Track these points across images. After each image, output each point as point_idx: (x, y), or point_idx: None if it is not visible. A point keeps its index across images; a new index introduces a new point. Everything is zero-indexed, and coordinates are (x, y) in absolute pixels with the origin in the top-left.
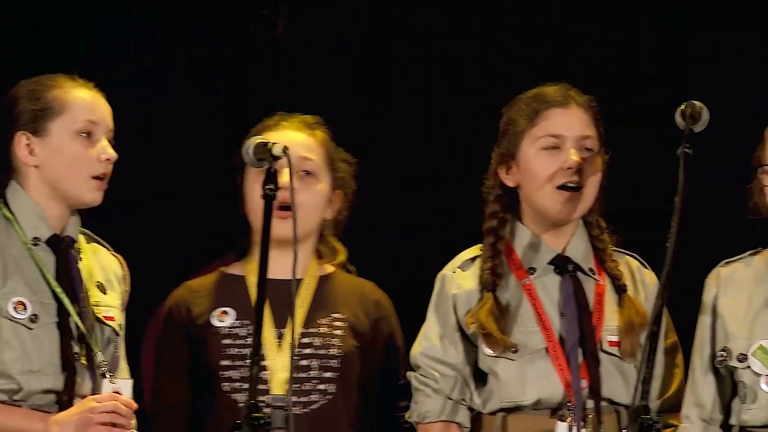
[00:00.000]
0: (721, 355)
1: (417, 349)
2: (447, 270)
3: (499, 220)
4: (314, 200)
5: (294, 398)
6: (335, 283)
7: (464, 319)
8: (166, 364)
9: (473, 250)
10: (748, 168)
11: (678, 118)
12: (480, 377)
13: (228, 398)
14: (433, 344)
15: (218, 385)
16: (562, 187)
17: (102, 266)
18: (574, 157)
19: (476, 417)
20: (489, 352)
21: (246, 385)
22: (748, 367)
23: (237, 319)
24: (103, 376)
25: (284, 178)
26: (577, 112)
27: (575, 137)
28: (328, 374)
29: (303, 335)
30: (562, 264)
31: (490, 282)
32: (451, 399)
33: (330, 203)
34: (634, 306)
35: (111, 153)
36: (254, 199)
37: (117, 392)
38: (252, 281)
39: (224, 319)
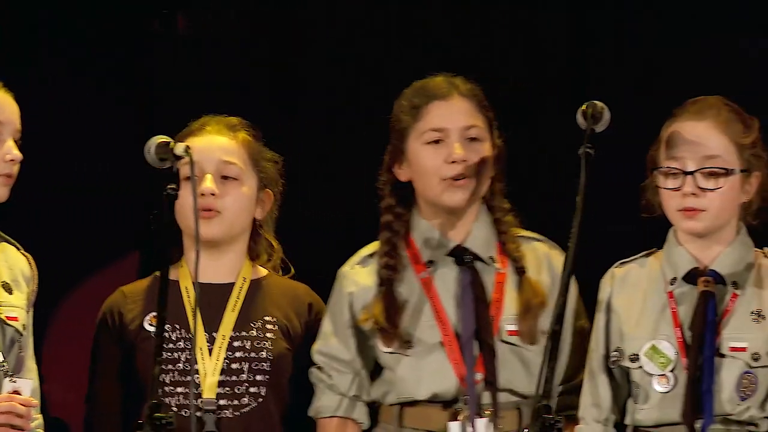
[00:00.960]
0: (614, 356)
1: (315, 346)
2: (346, 267)
3: (394, 214)
4: (238, 204)
5: (225, 402)
6: (268, 285)
7: (360, 315)
8: (100, 370)
9: (373, 246)
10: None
11: (579, 118)
12: (377, 370)
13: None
14: (329, 342)
15: None
16: (449, 180)
17: (9, 265)
18: (458, 150)
19: (375, 409)
20: (385, 348)
21: (178, 389)
22: (640, 367)
23: (168, 323)
24: (5, 376)
25: (206, 183)
26: (459, 102)
27: (459, 129)
28: (259, 377)
29: (234, 338)
30: (460, 255)
31: (386, 277)
32: (346, 395)
33: (259, 203)
34: (532, 288)
35: (16, 154)
36: (182, 203)
37: (16, 392)
38: (184, 285)
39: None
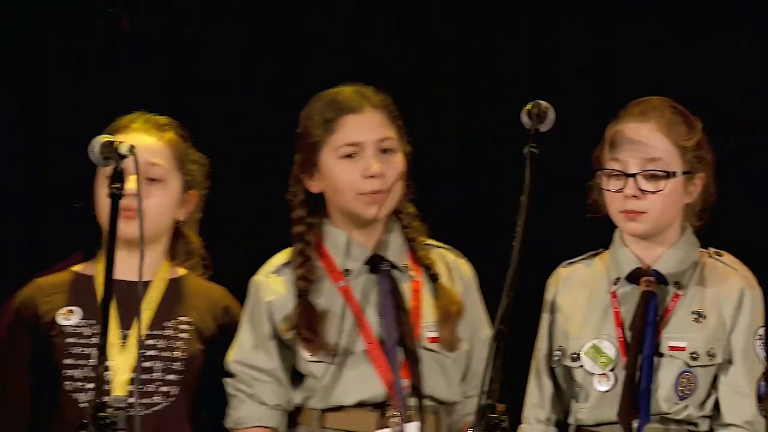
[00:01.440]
0: (557, 355)
1: (231, 356)
2: (260, 275)
3: (306, 225)
4: (161, 205)
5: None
6: (185, 286)
7: (281, 325)
8: (10, 362)
9: (286, 254)
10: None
11: (524, 118)
12: (299, 378)
13: (70, 397)
14: (247, 351)
15: (61, 384)
16: (366, 194)
17: None
18: (375, 165)
19: (296, 410)
20: (308, 356)
21: (89, 385)
22: (581, 366)
23: (83, 319)
24: None
25: (130, 184)
26: (372, 115)
27: (373, 141)
28: (171, 377)
29: (148, 337)
30: (376, 263)
31: (304, 288)
32: (266, 405)
33: (182, 205)
34: (448, 295)
35: None
36: (102, 199)
37: None
38: (100, 281)
39: (70, 317)
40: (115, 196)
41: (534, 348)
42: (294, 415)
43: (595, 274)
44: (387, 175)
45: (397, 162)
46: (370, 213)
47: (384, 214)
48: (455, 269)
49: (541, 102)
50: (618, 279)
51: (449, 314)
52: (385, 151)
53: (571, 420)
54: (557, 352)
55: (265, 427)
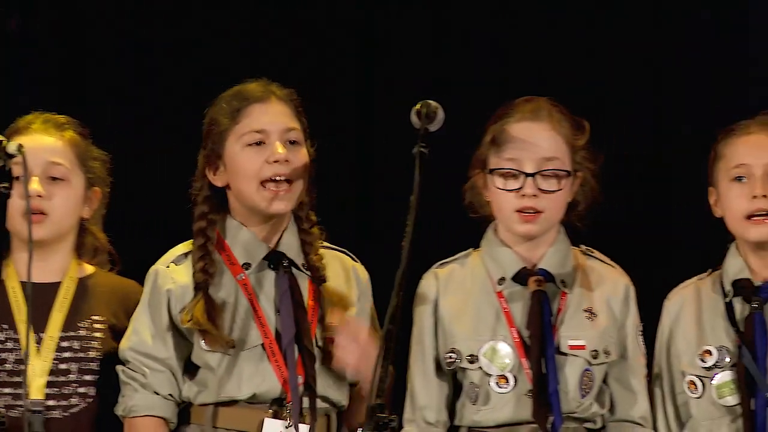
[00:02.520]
0: (450, 357)
1: (126, 344)
2: (160, 265)
3: (207, 221)
4: (65, 205)
5: (54, 402)
6: (95, 283)
7: (179, 315)
8: None
9: (186, 245)
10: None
11: (413, 118)
12: (192, 369)
13: None
14: (143, 339)
15: None
16: (271, 181)
17: None
18: (279, 150)
19: (184, 408)
20: (206, 347)
21: (6, 390)
22: (479, 367)
23: None
24: None
25: (33, 185)
26: (278, 105)
27: (279, 131)
28: (88, 377)
29: (62, 339)
30: (276, 260)
31: (203, 281)
32: (159, 394)
33: (86, 202)
34: (333, 298)
35: None
36: (11, 203)
37: None
38: (10, 285)
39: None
40: (2, 195)
41: (415, 349)
42: (185, 414)
43: (473, 274)
44: (292, 162)
45: (302, 155)
46: (272, 207)
47: (286, 209)
48: (353, 274)
49: (431, 102)
50: (503, 279)
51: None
52: (291, 143)
53: (461, 422)
54: (450, 354)
55: (156, 416)
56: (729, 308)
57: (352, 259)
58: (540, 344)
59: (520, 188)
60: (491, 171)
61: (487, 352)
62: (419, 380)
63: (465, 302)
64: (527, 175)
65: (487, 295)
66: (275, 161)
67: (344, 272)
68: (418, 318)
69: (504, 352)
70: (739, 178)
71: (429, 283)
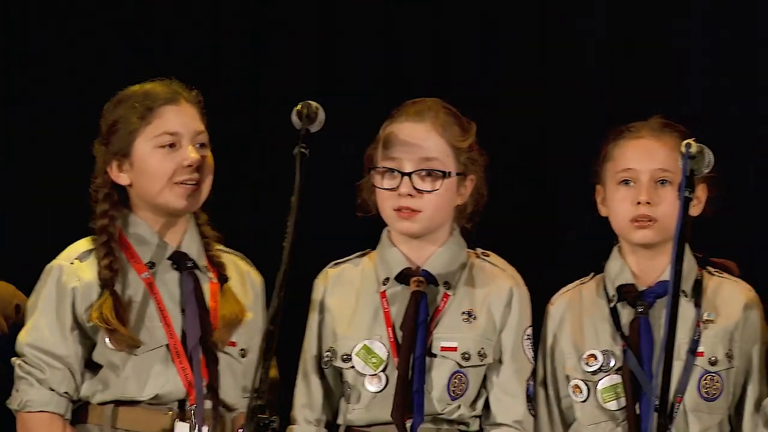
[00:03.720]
0: (327, 356)
1: (25, 339)
2: (63, 261)
3: (109, 218)
4: None
5: None
6: None
7: (84, 312)
8: None
9: (88, 241)
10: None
11: (294, 119)
12: (92, 368)
13: None
14: (43, 336)
15: None
16: (182, 184)
17: None
18: (193, 154)
19: (81, 407)
20: (110, 346)
21: None
22: (353, 367)
23: None
24: None
25: None
26: (188, 108)
27: (191, 134)
28: None
29: None
30: (180, 260)
31: (109, 278)
32: (55, 391)
33: None
34: (234, 299)
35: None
36: None
37: None
38: None
39: None
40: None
41: (302, 348)
42: (81, 413)
43: (363, 274)
44: (201, 167)
45: (210, 157)
46: (180, 204)
47: (194, 207)
48: (248, 278)
49: (312, 102)
50: (387, 279)
51: (230, 320)
52: (201, 146)
53: (340, 420)
54: (327, 353)
55: (51, 413)
56: (614, 313)
57: (247, 263)
58: (410, 344)
59: (397, 187)
60: (373, 170)
61: (360, 352)
62: (302, 379)
63: (350, 302)
64: (403, 174)
65: (371, 295)
66: (188, 165)
67: (240, 276)
68: (309, 317)
69: (378, 352)
70: (625, 182)
71: (319, 281)
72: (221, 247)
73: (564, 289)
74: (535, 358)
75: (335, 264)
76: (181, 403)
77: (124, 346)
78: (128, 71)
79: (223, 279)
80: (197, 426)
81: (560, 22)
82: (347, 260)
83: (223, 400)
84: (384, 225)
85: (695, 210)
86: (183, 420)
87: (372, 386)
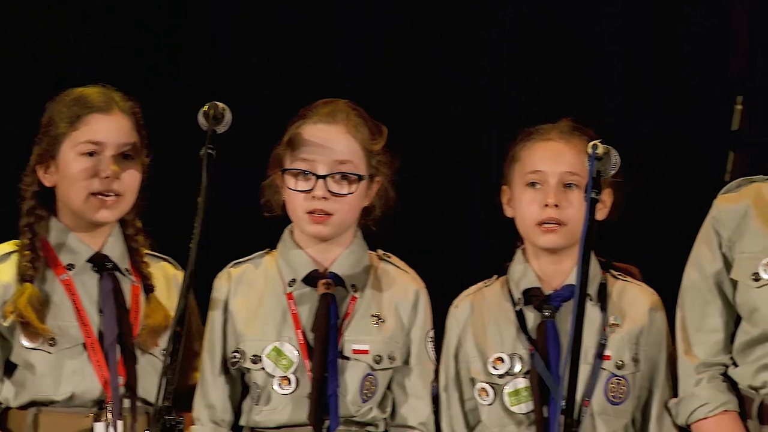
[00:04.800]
0: (235, 357)
1: None
2: None
3: (35, 217)
4: None
5: None
6: None
7: (0, 310)
8: None
9: (10, 245)
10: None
11: (201, 120)
12: (11, 370)
13: None
14: None
15: None
16: (99, 195)
17: None
18: (112, 166)
19: (4, 411)
20: (26, 343)
21: None
22: (262, 368)
23: None
24: None
25: None
26: (119, 118)
27: (115, 144)
28: None
29: None
30: (100, 262)
31: (29, 274)
32: None
33: None
34: (161, 307)
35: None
36: None
37: None
38: None
39: None
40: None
41: (203, 348)
42: (3, 419)
43: (266, 275)
44: (123, 179)
45: (135, 168)
46: (99, 216)
47: (111, 219)
48: (174, 282)
49: (218, 103)
50: (293, 280)
51: (158, 327)
52: (125, 156)
53: (244, 422)
54: (235, 353)
55: None
56: (520, 316)
57: (176, 267)
58: (323, 347)
59: (311, 189)
60: (285, 171)
61: (271, 354)
62: (207, 379)
63: (255, 302)
64: (318, 176)
65: (277, 296)
66: (106, 177)
67: (165, 280)
68: (209, 317)
69: (288, 354)
70: (533, 184)
71: (221, 282)
72: (152, 253)
73: (467, 292)
74: (438, 360)
75: (236, 264)
76: (101, 404)
77: (39, 341)
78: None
79: (148, 289)
80: (114, 423)
81: (469, 19)
82: (248, 260)
83: (148, 399)
84: (286, 224)
85: (601, 214)
86: (100, 420)
87: (281, 388)
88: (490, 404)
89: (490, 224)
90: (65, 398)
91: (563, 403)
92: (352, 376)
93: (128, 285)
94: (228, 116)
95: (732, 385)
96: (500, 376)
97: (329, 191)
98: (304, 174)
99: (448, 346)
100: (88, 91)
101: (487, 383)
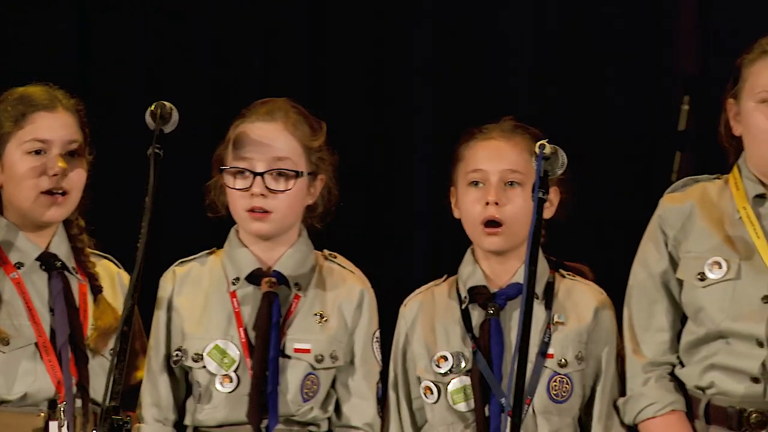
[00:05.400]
0: (177, 355)
1: None
2: None
3: None
4: None
5: None
6: None
7: None
8: None
9: None
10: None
11: (148, 119)
12: None
13: None
14: None
15: None
16: (47, 194)
17: None
18: (60, 163)
19: None
20: None
21: None
22: (204, 366)
23: None
24: None
25: None
26: (63, 115)
27: (61, 142)
28: None
29: None
30: (48, 261)
31: None
32: None
33: None
34: (109, 309)
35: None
36: None
37: None
38: None
39: None
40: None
41: (148, 346)
42: None
43: (211, 274)
44: (70, 177)
45: (81, 166)
46: (48, 215)
47: (60, 218)
48: (118, 281)
49: (165, 103)
50: (237, 279)
51: (105, 329)
52: (71, 154)
53: (188, 421)
54: (177, 352)
55: None
56: (465, 314)
57: (117, 265)
58: (264, 345)
59: (249, 187)
60: (224, 170)
61: (213, 352)
62: (152, 378)
63: (199, 301)
64: (256, 174)
65: (221, 295)
66: (54, 174)
67: (110, 279)
68: (155, 315)
69: (230, 352)
70: (475, 183)
71: (166, 281)
72: (95, 252)
73: (417, 291)
74: (386, 359)
75: (181, 263)
76: (52, 403)
77: None
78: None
79: (96, 290)
80: (67, 423)
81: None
82: (193, 259)
83: (97, 401)
84: (232, 224)
85: (548, 212)
86: (53, 420)
87: (223, 386)
88: (434, 402)
89: (440, 225)
90: (18, 398)
91: (504, 400)
92: (292, 375)
93: (76, 284)
94: (175, 116)
95: (679, 384)
96: (444, 375)
97: (267, 188)
98: (243, 172)
99: (397, 345)
100: (31, 89)
101: (431, 381)
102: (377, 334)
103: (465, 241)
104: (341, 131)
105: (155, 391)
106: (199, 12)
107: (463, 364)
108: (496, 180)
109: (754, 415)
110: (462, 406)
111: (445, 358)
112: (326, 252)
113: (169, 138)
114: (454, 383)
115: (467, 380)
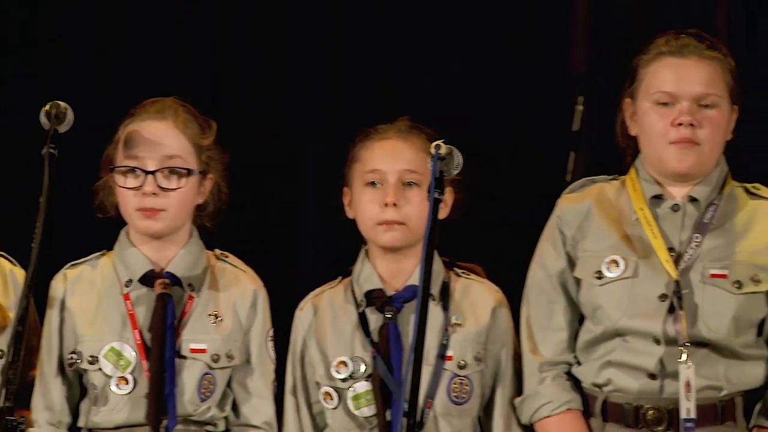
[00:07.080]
0: (72, 358)
1: None
2: None
3: None
4: None
5: None
6: None
7: None
8: None
9: None
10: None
11: (43, 119)
12: None
13: None
14: None
15: None
16: None
17: None
18: None
19: None
20: None
21: None
22: (99, 369)
23: None
24: None
25: None
26: None
27: None
28: None
29: None
30: None
31: None
32: None
33: None
34: (2, 311)
35: None
36: None
37: None
38: None
39: None
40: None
41: (43, 349)
42: None
43: (103, 276)
44: None
45: None
46: None
47: None
48: (10, 278)
49: (60, 102)
50: (130, 281)
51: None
52: None
53: (82, 423)
54: (72, 355)
55: None
56: (362, 318)
57: (11, 262)
58: (160, 347)
59: (140, 186)
60: (114, 169)
61: (108, 354)
62: (45, 381)
63: (92, 303)
64: (147, 172)
65: (114, 297)
66: None
67: (2, 276)
68: (46, 318)
69: (126, 354)
70: (372, 183)
71: (57, 283)
72: (2, 254)
73: (312, 294)
74: (279, 360)
75: (72, 265)
76: None
77: None
78: None
79: None
80: None
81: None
82: (85, 261)
83: None
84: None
85: (443, 213)
86: None
87: (119, 388)
88: (334, 408)
89: (331, 225)
90: None
91: (406, 405)
92: (189, 375)
93: None
94: (70, 115)
95: (576, 384)
96: (343, 380)
97: (159, 186)
98: (133, 171)
99: (294, 349)
100: None
101: (331, 387)
102: (271, 332)
103: (357, 240)
104: (232, 130)
105: (48, 395)
106: (82, 10)
107: (363, 369)
108: (394, 180)
109: (650, 411)
110: (362, 412)
111: (345, 364)
112: (218, 252)
113: (64, 138)
114: (355, 389)
115: (368, 385)
